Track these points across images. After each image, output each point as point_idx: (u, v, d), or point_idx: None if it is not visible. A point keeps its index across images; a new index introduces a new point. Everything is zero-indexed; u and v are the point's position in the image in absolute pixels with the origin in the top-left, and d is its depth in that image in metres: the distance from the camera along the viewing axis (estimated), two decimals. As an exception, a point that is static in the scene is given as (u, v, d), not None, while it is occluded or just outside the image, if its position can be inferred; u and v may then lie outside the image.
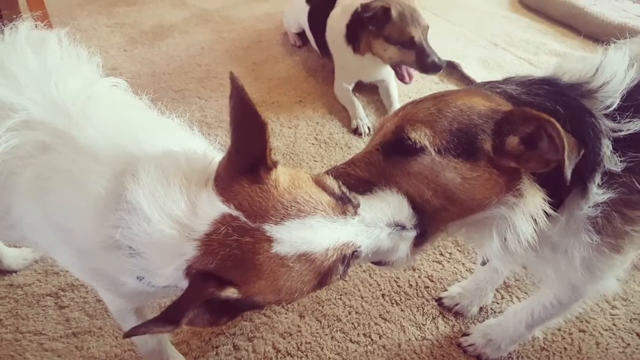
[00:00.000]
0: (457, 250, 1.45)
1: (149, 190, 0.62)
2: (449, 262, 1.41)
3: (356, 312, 1.26)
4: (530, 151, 0.69)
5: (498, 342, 1.13)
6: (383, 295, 1.31)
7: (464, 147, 0.69)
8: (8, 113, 0.71)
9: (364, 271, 1.36)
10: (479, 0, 3.23)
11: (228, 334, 1.20)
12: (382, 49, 1.88)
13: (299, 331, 1.22)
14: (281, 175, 0.65)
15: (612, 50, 0.80)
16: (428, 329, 1.24)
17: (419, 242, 0.75)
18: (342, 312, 1.26)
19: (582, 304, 1.04)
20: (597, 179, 0.72)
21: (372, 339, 1.21)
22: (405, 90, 2.20)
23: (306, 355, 1.17)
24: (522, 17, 3.01)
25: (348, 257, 0.65)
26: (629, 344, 1.21)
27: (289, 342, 1.19)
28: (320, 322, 1.24)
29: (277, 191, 0.62)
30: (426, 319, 1.26)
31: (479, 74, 2.27)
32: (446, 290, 1.31)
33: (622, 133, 0.71)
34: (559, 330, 1.23)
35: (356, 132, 1.96)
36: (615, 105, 0.72)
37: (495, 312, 1.28)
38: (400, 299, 1.30)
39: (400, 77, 1.96)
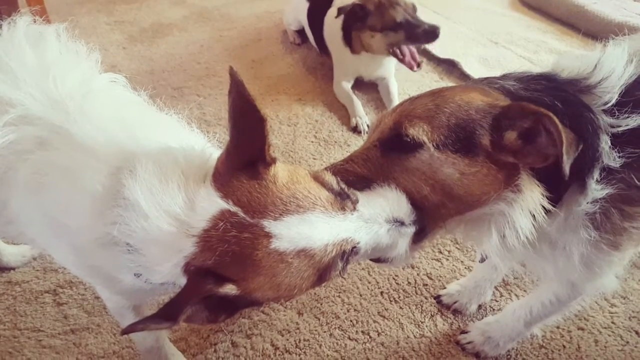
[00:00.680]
0: (456, 248, 1.44)
1: (147, 187, 0.61)
2: (447, 260, 1.41)
3: (355, 310, 1.26)
4: (528, 146, 0.69)
5: (496, 340, 1.13)
6: (382, 292, 1.31)
7: (462, 142, 0.69)
8: (5, 108, 0.71)
9: (363, 269, 1.36)
10: (479, -2, 3.22)
11: (226, 331, 1.20)
12: (370, 38, 1.90)
13: (298, 328, 1.22)
14: (280, 171, 0.64)
15: (611, 46, 0.80)
16: (426, 326, 1.24)
17: (417, 238, 0.74)
18: (341, 309, 1.26)
19: (581, 302, 1.03)
20: (596, 174, 0.71)
21: (370, 337, 1.21)
22: (404, 89, 2.20)
23: (304, 352, 1.17)
24: (522, 16, 3.01)
25: (347, 253, 0.65)
26: (627, 342, 1.21)
27: (288, 340, 1.19)
28: (319, 320, 1.24)
29: (276, 187, 0.62)
30: (425, 316, 1.26)
31: (479, 72, 2.26)
32: (445, 288, 1.31)
33: (621, 129, 0.71)
34: (558, 328, 1.23)
35: (355, 130, 1.95)
36: (613, 101, 0.72)
37: (494, 309, 1.28)
38: (399, 297, 1.30)
39: (409, 65, 1.95)
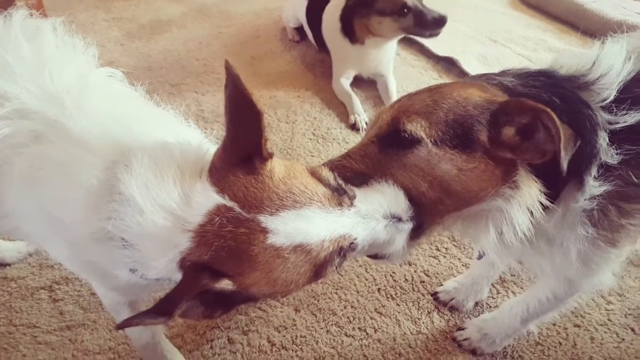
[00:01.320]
0: (453, 245, 1.45)
1: (142, 181, 0.61)
2: (445, 257, 1.41)
3: (352, 306, 1.26)
4: (526, 142, 0.69)
5: (493, 337, 1.14)
6: (379, 289, 1.31)
7: (460, 138, 0.69)
8: (1, 102, 0.71)
9: (360, 265, 1.36)
10: (479, -3, 3.22)
11: (223, 328, 1.20)
12: (378, 24, 1.88)
13: (294, 325, 1.22)
14: (276, 166, 0.64)
15: (610, 43, 0.80)
16: (423, 323, 1.24)
17: (415, 235, 0.74)
18: (338, 306, 1.26)
19: (578, 299, 1.03)
20: (593, 171, 0.71)
21: (367, 333, 1.21)
22: (403, 86, 2.20)
23: (301, 349, 1.17)
24: (521, 14, 3.01)
25: (344, 249, 0.65)
26: (623, 339, 1.21)
27: (284, 336, 1.19)
28: (316, 316, 1.24)
29: (273, 182, 0.62)
30: (421, 313, 1.26)
31: (477, 70, 2.26)
32: (442, 284, 1.31)
33: (619, 125, 0.71)
34: (554, 325, 1.23)
35: (354, 127, 1.95)
36: (611, 98, 0.72)
37: (490, 306, 1.28)
38: (396, 293, 1.30)
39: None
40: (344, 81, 2.11)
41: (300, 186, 0.63)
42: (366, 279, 1.33)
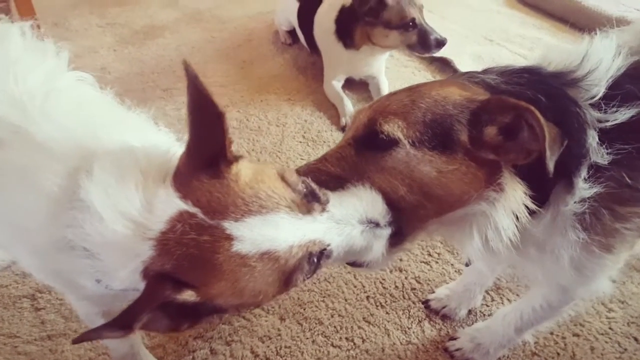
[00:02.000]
0: (446, 250, 1.40)
1: (102, 187, 0.58)
2: (437, 263, 1.37)
3: (339, 315, 1.22)
4: (509, 142, 0.65)
5: (487, 347, 1.09)
6: (368, 297, 1.27)
7: (439, 139, 0.65)
8: (-39, 106, 0.68)
9: (348, 272, 1.32)
10: (475, -3, 3.19)
11: (205, 338, 1.16)
12: (384, 36, 1.85)
13: (279, 335, 1.17)
14: (243, 170, 0.61)
15: (599, 38, 0.76)
16: (414, 332, 1.19)
17: (395, 241, 0.71)
18: (325, 314, 1.22)
19: (575, 307, 0.99)
20: (583, 172, 0.67)
21: (354, 343, 1.16)
22: (396, 86, 2.11)
23: (286, 360, 1.13)
24: (517, 13, 2.97)
25: (315, 255, 0.61)
26: (626, 349, 1.16)
27: (268, 347, 1.15)
28: (302, 326, 1.20)
29: (238, 186, 0.59)
30: (412, 322, 1.21)
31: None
32: (434, 292, 1.27)
33: (609, 123, 0.67)
34: (552, 334, 1.18)
35: (345, 129, 1.92)
36: (600, 94, 0.68)
37: (484, 315, 1.23)
38: (386, 302, 1.26)
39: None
40: (336, 83, 2.09)
41: (268, 190, 0.59)
42: (355, 286, 1.29)
